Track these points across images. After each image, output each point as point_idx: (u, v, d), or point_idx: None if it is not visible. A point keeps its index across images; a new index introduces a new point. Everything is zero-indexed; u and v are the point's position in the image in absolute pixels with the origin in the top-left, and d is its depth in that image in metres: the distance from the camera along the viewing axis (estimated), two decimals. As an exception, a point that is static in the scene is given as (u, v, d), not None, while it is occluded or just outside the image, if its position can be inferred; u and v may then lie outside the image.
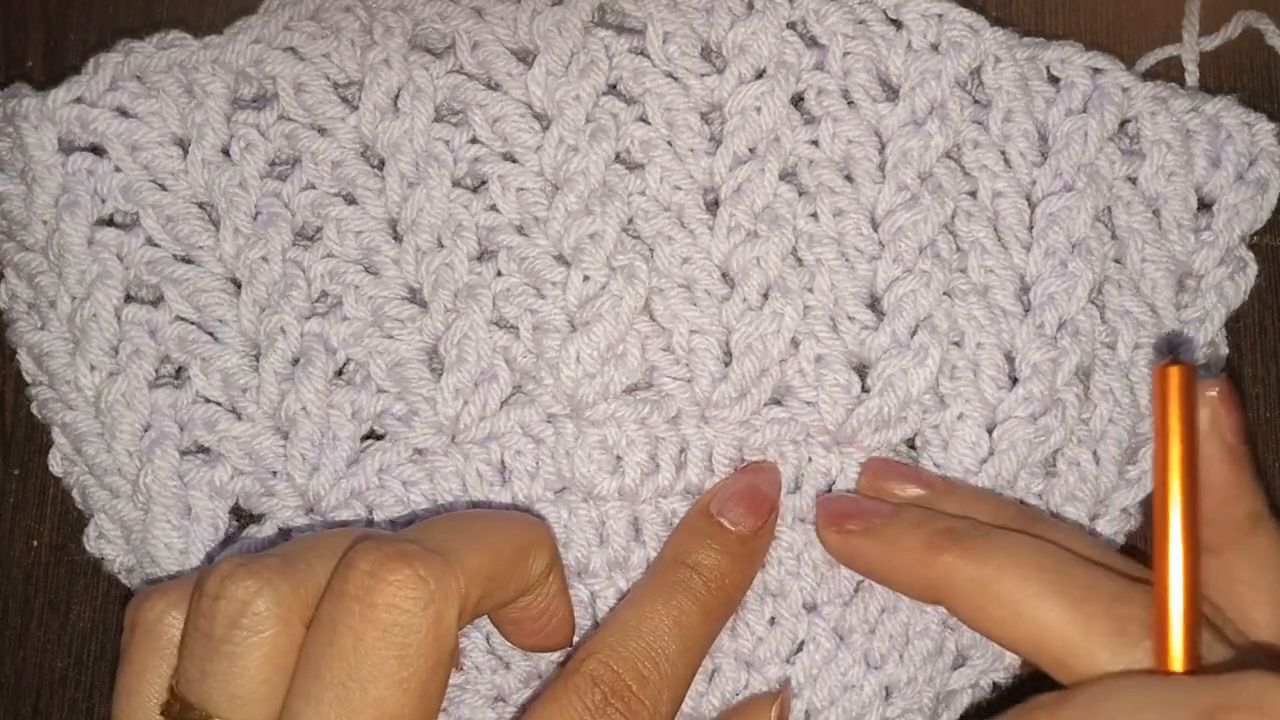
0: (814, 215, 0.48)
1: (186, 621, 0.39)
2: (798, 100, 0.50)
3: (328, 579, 0.39)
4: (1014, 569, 0.41)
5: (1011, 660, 0.48)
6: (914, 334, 0.47)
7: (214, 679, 0.38)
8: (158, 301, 0.48)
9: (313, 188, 0.49)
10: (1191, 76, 0.52)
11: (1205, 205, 0.50)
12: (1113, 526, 0.48)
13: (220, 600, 0.38)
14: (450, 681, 0.46)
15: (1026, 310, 0.48)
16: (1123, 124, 0.50)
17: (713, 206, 0.49)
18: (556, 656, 0.47)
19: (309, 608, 0.39)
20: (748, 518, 0.46)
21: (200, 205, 0.49)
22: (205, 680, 0.38)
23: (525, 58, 0.50)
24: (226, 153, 0.49)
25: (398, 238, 0.48)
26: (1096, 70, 0.49)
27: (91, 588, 0.51)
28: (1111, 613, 0.40)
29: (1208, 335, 0.49)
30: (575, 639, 0.47)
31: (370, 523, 0.47)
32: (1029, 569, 0.41)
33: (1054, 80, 0.50)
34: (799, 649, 0.48)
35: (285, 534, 0.47)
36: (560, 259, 0.48)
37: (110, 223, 0.49)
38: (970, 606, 0.42)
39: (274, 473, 0.47)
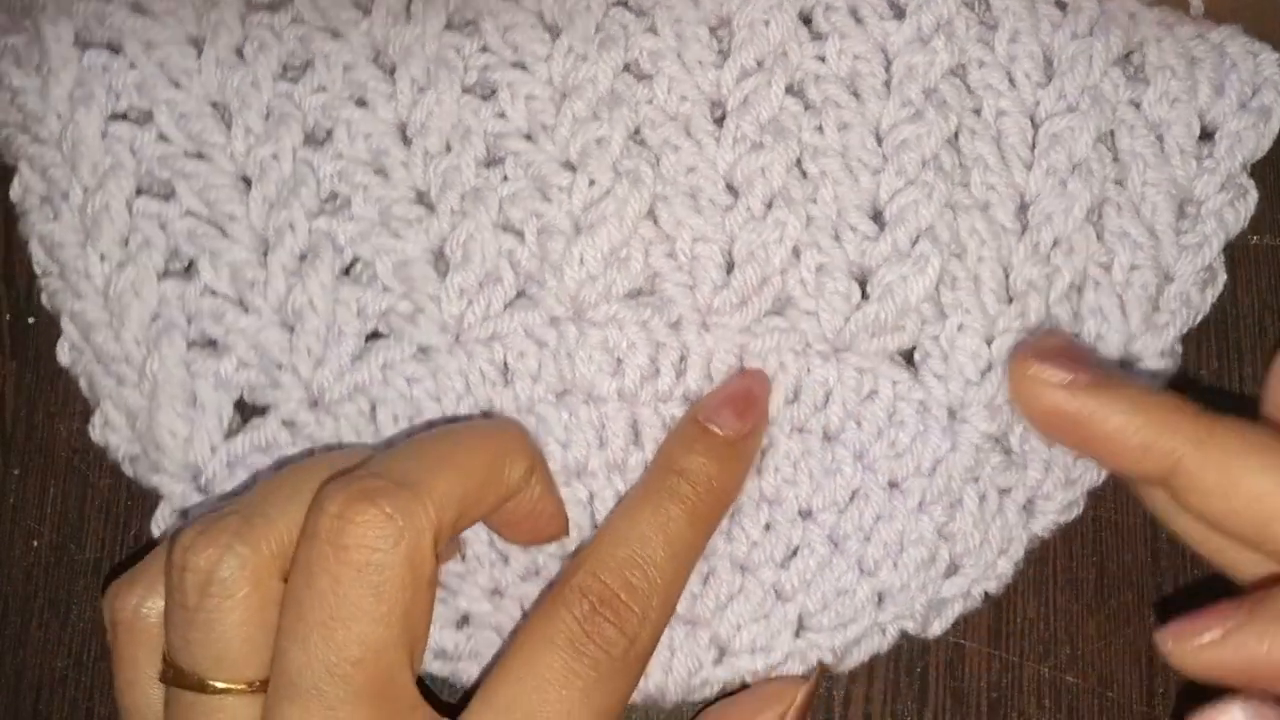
0: (819, 129, 0.49)
1: (166, 592, 0.41)
2: (806, 17, 0.50)
3: (290, 525, 0.40)
4: (1258, 447, 0.40)
5: (1004, 570, 0.48)
6: (915, 243, 0.48)
7: (196, 646, 0.39)
8: (169, 196, 0.49)
9: (324, 90, 0.49)
10: (1196, 10, 0.53)
11: (1207, 135, 0.50)
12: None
13: (186, 572, 0.39)
14: (451, 570, 0.47)
15: (1024, 228, 0.49)
16: (1128, 55, 0.50)
17: (719, 120, 0.49)
18: (554, 549, 0.47)
19: (278, 558, 0.40)
20: (735, 421, 0.46)
21: (213, 105, 0.49)
22: (189, 648, 0.39)
23: (537, -31, 0.50)
24: (240, 53, 0.49)
25: (407, 141, 0.49)
26: None
27: (91, 588, 0.51)
28: None
29: (1205, 260, 0.49)
30: (573, 533, 0.48)
31: (374, 420, 0.48)
32: (1276, 449, 0.40)
33: (1061, 5, 0.50)
34: (793, 554, 0.48)
35: (290, 425, 0.48)
36: (567, 165, 0.49)
37: (124, 119, 0.49)
38: (1209, 481, 0.40)
39: (279, 365, 0.48)
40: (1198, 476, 0.40)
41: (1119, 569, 0.50)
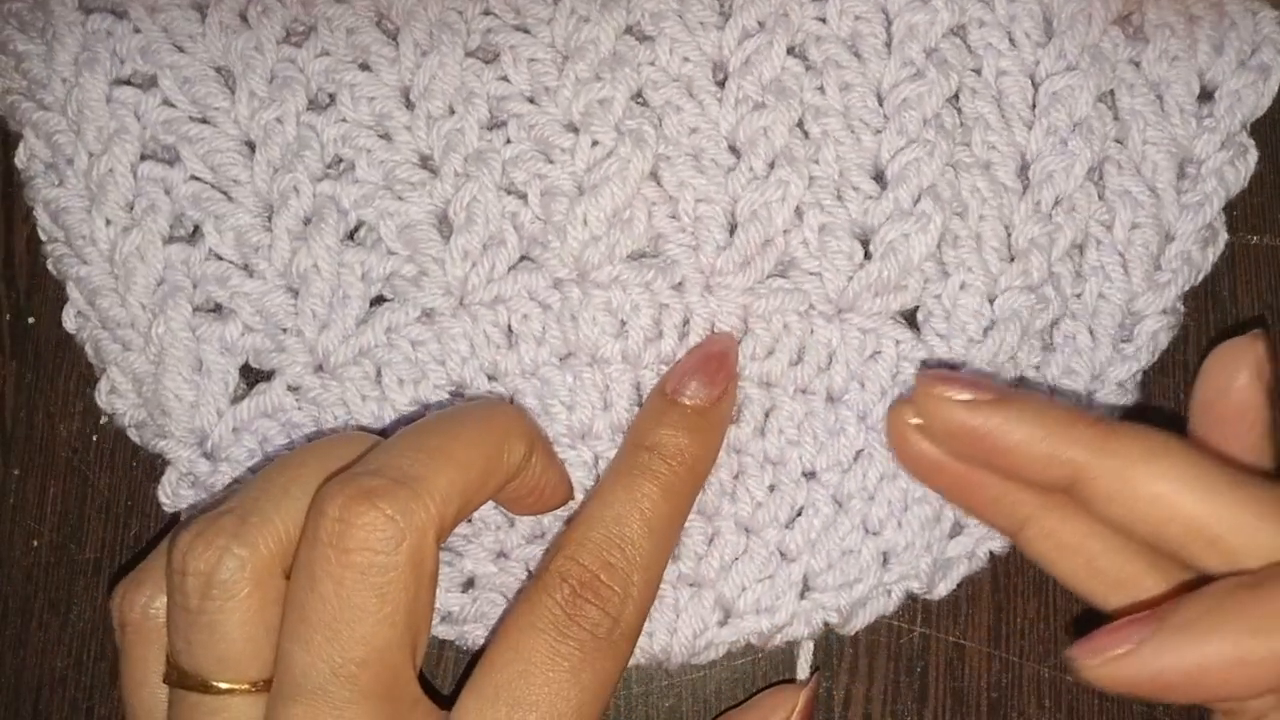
0: (820, 89, 0.49)
1: (168, 595, 0.41)
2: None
3: (286, 521, 0.40)
4: (1155, 452, 0.40)
5: None
6: (917, 201, 0.48)
7: (199, 647, 0.39)
8: (173, 161, 0.49)
9: (327, 55, 0.49)
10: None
11: (1207, 94, 0.50)
12: (1109, 399, 0.49)
13: (187, 575, 0.39)
14: (457, 533, 0.47)
15: (1025, 187, 0.49)
16: (1127, 15, 0.50)
17: (721, 81, 0.49)
18: (560, 511, 0.48)
19: (278, 557, 0.40)
20: (703, 390, 0.46)
21: (217, 69, 0.49)
22: (192, 649, 0.40)
23: (539, -67, 0.50)
24: (244, 17, 0.49)
25: (410, 105, 0.49)
26: None
27: (91, 588, 0.51)
28: (1260, 496, 0.39)
29: (1206, 218, 0.49)
30: (579, 497, 0.48)
31: (379, 384, 0.48)
32: (1172, 453, 0.40)
33: None
34: (798, 515, 0.48)
35: (296, 390, 0.48)
36: (569, 126, 0.49)
37: (128, 84, 0.49)
38: (1109, 486, 0.40)
39: (284, 330, 0.48)
40: (1098, 483, 0.40)
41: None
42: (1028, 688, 0.50)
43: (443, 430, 0.43)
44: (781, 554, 0.48)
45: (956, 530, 0.48)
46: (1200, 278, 0.50)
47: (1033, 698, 0.50)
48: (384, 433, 0.45)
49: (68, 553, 0.51)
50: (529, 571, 0.48)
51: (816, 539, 0.48)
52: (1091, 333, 0.48)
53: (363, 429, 0.48)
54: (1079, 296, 0.49)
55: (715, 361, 0.47)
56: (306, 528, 0.40)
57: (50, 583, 0.51)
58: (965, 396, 0.42)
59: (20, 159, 0.50)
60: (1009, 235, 0.48)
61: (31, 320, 0.53)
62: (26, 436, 0.52)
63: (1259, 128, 0.50)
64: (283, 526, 0.40)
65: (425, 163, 0.49)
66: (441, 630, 0.48)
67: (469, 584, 0.48)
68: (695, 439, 0.45)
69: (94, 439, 0.52)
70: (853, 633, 0.49)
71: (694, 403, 0.46)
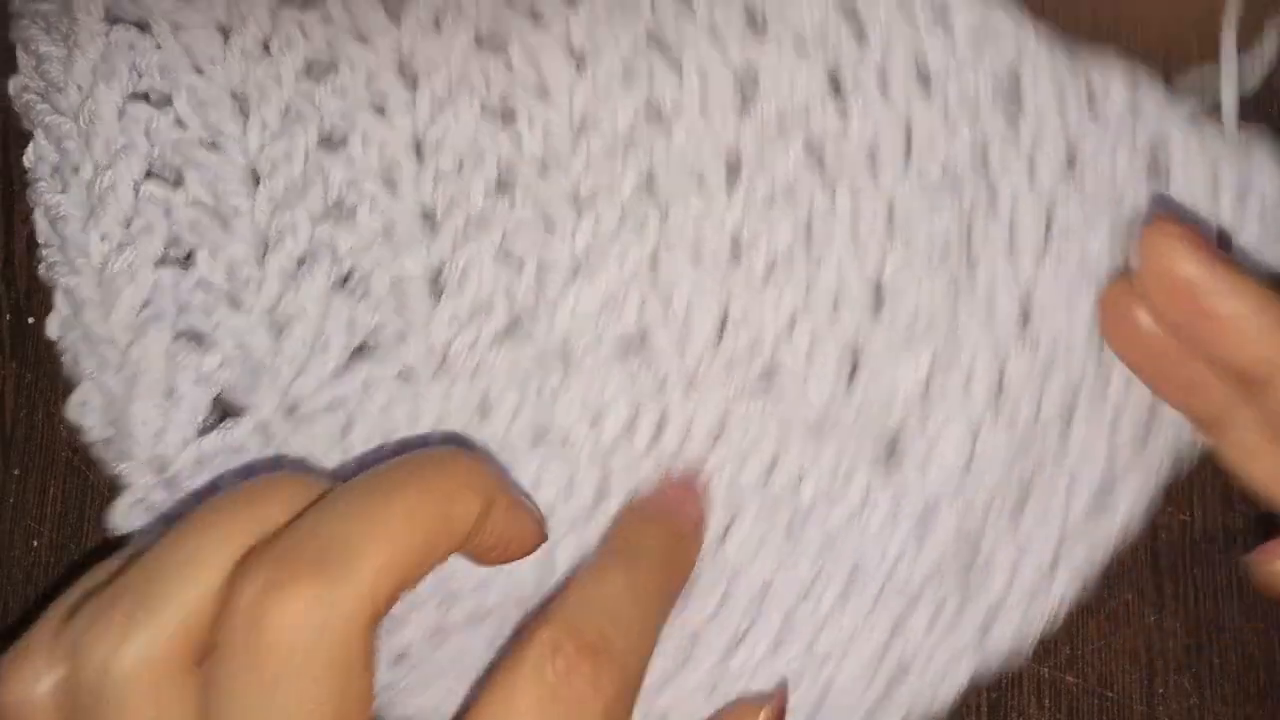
0: (831, 194, 0.48)
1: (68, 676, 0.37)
2: (834, 80, 0.49)
3: (199, 597, 0.36)
4: None
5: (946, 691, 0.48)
6: (911, 325, 0.47)
7: None
8: (177, 183, 0.49)
9: (344, 94, 0.49)
10: (1229, 99, 0.50)
11: (1226, 242, 0.49)
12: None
13: (81, 669, 0.36)
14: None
15: (1025, 321, 0.48)
16: (1154, 154, 0.49)
17: (733, 174, 0.49)
18: (512, 590, 0.47)
19: (186, 640, 0.36)
20: (681, 512, 0.46)
21: (233, 95, 0.49)
22: None
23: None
24: (267, 47, 0.49)
25: (420, 157, 0.49)
26: (1134, 87, 0.48)
27: None
28: None
29: None
30: (530, 580, 0.47)
31: (346, 437, 0.48)
32: None
33: (1091, 94, 0.49)
34: (744, 636, 0.47)
35: (263, 431, 0.48)
36: (575, 202, 0.48)
37: (144, 100, 0.49)
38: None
39: (262, 368, 0.48)
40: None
41: (1119, 569, 0.49)
42: (1028, 688, 0.50)
43: (382, 490, 0.38)
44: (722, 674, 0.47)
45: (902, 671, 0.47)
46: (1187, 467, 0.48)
47: (1033, 698, 0.50)
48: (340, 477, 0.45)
49: (68, 553, 0.51)
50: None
51: (759, 664, 0.47)
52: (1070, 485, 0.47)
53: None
54: (1064, 443, 0.47)
55: (689, 488, 0.47)
56: (222, 612, 0.36)
57: (50, 583, 0.51)
58: (1195, 252, 0.41)
59: (29, 159, 0.50)
60: (1001, 371, 0.47)
61: (31, 320, 0.53)
62: (26, 436, 0.52)
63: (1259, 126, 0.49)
64: (192, 605, 0.36)
65: (427, 218, 0.48)
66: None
67: (401, 658, 0.48)
68: (678, 548, 0.46)
69: (94, 439, 0.52)
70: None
71: (674, 523, 0.46)
